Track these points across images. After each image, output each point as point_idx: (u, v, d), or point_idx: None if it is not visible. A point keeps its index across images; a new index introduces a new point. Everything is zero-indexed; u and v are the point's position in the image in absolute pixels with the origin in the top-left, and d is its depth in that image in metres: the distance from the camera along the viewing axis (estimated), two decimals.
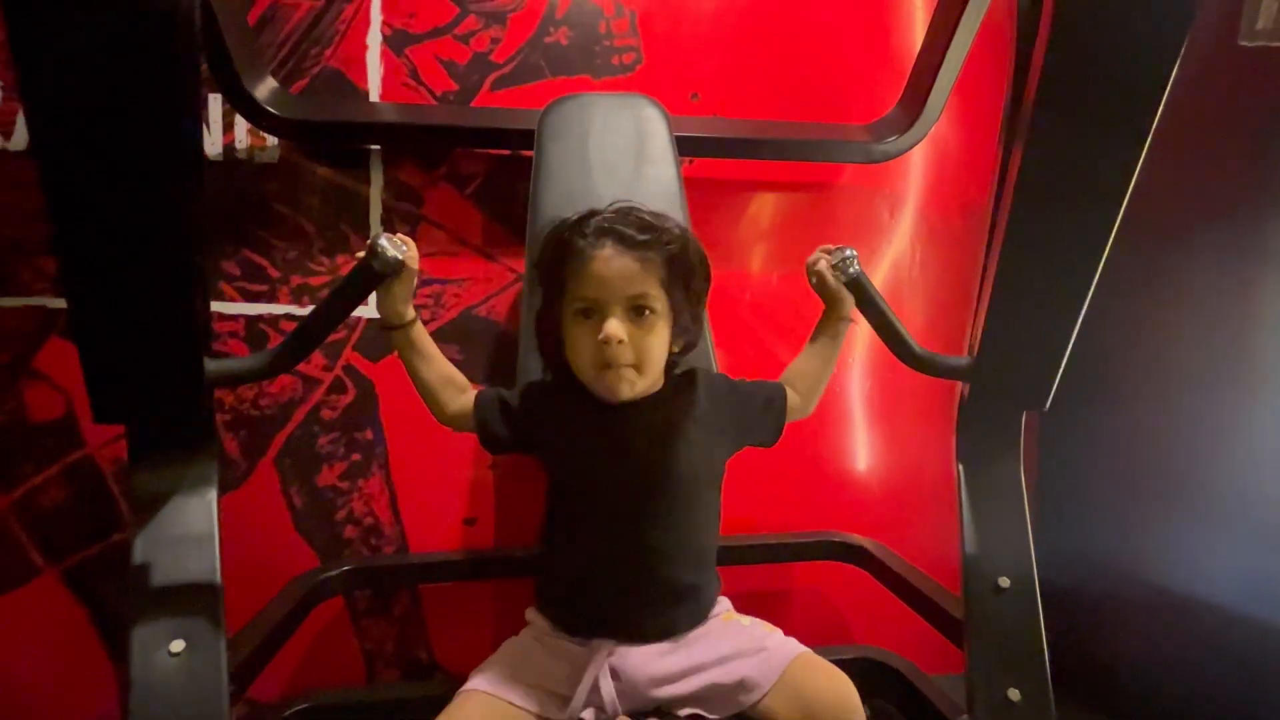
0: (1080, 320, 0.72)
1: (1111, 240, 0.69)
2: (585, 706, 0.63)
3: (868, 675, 0.98)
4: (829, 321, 0.75)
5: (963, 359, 0.75)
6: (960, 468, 0.82)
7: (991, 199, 0.77)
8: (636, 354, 0.63)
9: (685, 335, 0.69)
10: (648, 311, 0.63)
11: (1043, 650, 0.72)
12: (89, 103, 0.52)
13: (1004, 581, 0.76)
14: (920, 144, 1.09)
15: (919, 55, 1.05)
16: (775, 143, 1.06)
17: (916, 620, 0.93)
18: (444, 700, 0.63)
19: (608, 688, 0.64)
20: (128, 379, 0.59)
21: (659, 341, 0.65)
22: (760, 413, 0.74)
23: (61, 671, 0.99)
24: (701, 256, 0.68)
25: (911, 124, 1.04)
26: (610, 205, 0.66)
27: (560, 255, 0.65)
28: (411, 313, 0.67)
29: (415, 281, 0.66)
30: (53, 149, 0.53)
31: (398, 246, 0.63)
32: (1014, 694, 0.70)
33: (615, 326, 0.62)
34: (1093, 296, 0.70)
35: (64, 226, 0.54)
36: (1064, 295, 0.70)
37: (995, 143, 0.84)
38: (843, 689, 0.63)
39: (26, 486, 0.99)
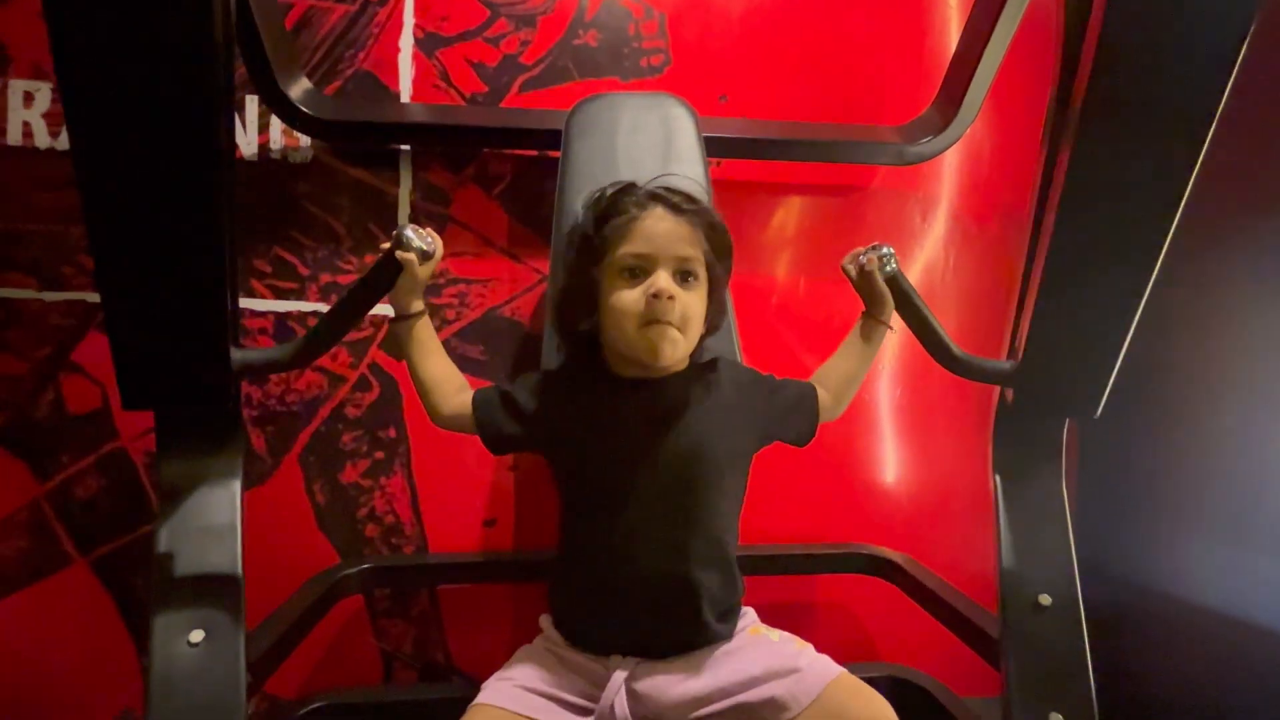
0: (1134, 325, 0.68)
1: (1169, 241, 0.66)
2: None
3: (896, 695, 0.94)
4: (868, 323, 0.73)
5: (1005, 363, 0.72)
6: (997, 478, 0.78)
7: (1033, 200, 0.74)
8: (681, 315, 0.62)
9: (713, 313, 0.67)
10: (692, 277, 0.63)
11: (1087, 671, 0.68)
12: (123, 95, 0.53)
13: (1044, 599, 0.72)
14: (954, 145, 1.06)
15: (955, 53, 1.02)
16: (805, 143, 1.04)
17: (947, 639, 0.89)
18: (459, 703, 0.62)
19: (623, 709, 0.61)
20: (155, 365, 0.60)
21: (701, 307, 0.64)
22: (790, 409, 0.72)
23: (89, 660, 1.01)
24: (730, 241, 0.68)
25: (947, 124, 1.01)
26: (653, 178, 0.67)
27: (604, 217, 0.64)
28: (420, 305, 0.66)
29: (429, 275, 0.65)
30: (87, 140, 0.54)
31: (423, 238, 0.63)
32: (1056, 718, 0.67)
33: (666, 279, 0.61)
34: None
35: (97, 216, 0.55)
36: (1116, 298, 0.67)
37: (1034, 143, 0.81)
38: (882, 714, 0.59)
39: (62, 476, 1.01)
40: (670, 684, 0.62)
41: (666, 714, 0.62)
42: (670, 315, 0.61)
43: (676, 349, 0.63)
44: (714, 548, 0.65)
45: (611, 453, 0.64)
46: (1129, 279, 0.67)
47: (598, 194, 0.66)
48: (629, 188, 0.65)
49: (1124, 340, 0.70)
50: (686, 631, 0.64)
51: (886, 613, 1.13)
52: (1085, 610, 0.72)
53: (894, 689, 1.00)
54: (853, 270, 0.71)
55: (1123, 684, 0.99)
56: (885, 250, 0.67)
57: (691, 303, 0.63)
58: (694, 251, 0.63)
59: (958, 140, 1.04)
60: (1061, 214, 0.66)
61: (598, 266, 0.64)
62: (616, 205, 0.64)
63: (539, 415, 0.67)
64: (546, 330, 0.92)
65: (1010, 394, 0.74)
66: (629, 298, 0.61)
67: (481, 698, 0.61)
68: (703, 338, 0.68)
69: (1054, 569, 0.73)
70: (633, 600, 0.63)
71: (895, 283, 0.68)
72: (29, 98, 1.01)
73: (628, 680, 0.62)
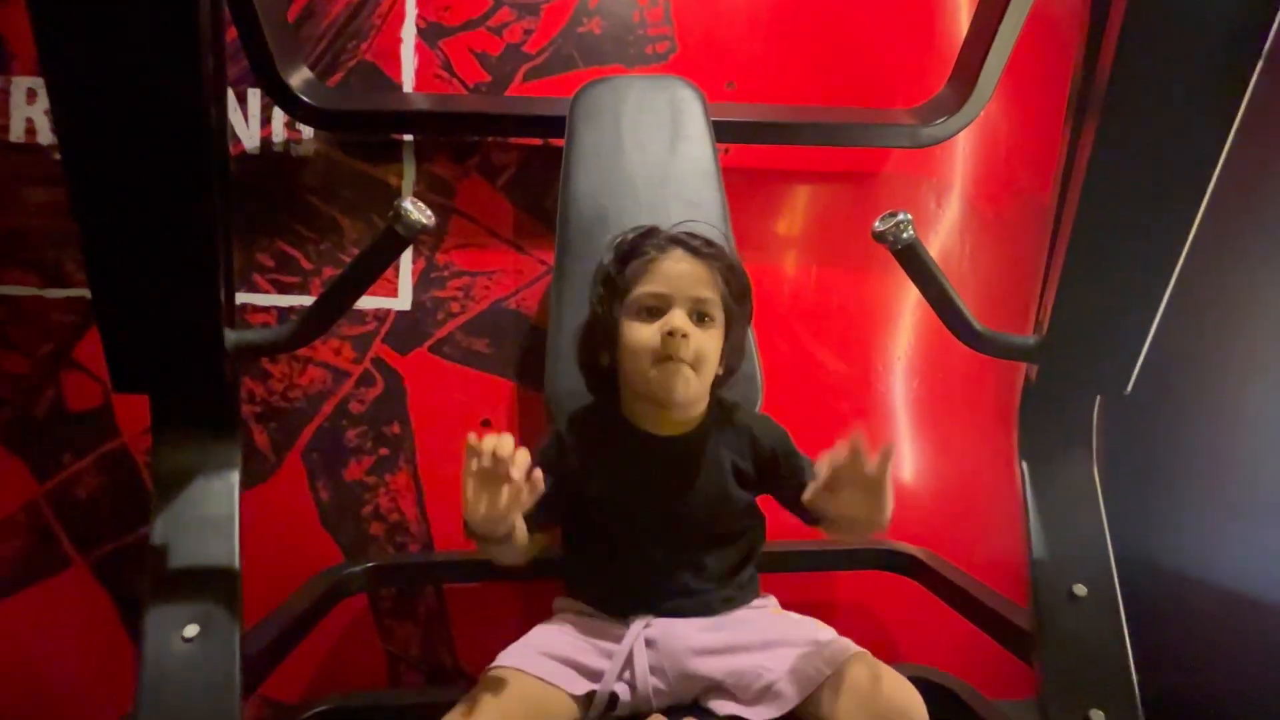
0: (1165, 299, 0.65)
1: (1200, 213, 0.63)
2: (618, 679, 0.61)
3: (922, 699, 0.90)
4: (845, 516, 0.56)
5: (1029, 338, 0.69)
6: (1024, 464, 0.75)
7: (1058, 172, 0.71)
8: (694, 353, 0.63)
9: (731, 357, 0.69)
10: (708, 318, 0.65)
11: (1128, 664, 0.64)
12: (107, 78, 0.51)
13: (1080, 589, 0.68)
14: (968, 128, 1.03)
15: (969, 30, 1.00)
16: (816, 126, 1.02)
17: (973, 638, 0.85)
18: None
19: (641, 659, 0.61)
20: (146, 346, 0.58)
21: (715, 347, 0.66)
22: (793, 483, 0.67)
23: (89, 662, 0.99)
24: (749, 285, 0.70)
25: (962, 104, 0.99)
26: (675, 224, 0.69)
27: (625, 259, 0.67)
28: (518, 523, 0.60)
29: (525, 501, 0.56)
30: (72, 125, 0.53)
31: (422, 211, 0.61)
32: (1097, 715, 0.63)
33: (681, 318, 0.63)
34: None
35: (83, 199, 0.54)
36: (1146, 270, 0.65)
37: (1052, 121, 0.78)
38: (910, 696, 0.57)
39: (62, 476, 1.00)
40: (686, 635, 0.63)
41: (681, 659, 0.62)
42: (683, 353, 0.62)
43: (689, 387, 0.63)
44: (724, 573, 0.67)
45: (627, 492, 0.66)
46: (1159, 251, 0.65)
47: (621, 236, 0.69)
48: (651, 231, 0.68)
49: (1154, 314, 0.67)
50: (702, 599, 0.65)
51: (909, 611, 1.09)
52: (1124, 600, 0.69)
53: (920, 692, 0.96)
54: (825, 470, 0.54)
55: (1162, 676, 0.94)
56: (901, 217, 0.64)
57: (706, 342, 0.64)
58: (710, 294, 0.65)
59: (974, 120, 1.01)
60: (1088, 187, 0.64)
61: (618, 305, 0.66)
62: (638, 248, 0.67)
63: (570, 460, 0.68)
64: (551, 323, 0.89)
65: (1035, 373, 0.71)
66: (645, 334, 0.64)
67: (498, 661, 0.62)
68: (720, 380, 0.69)
69: (1089, 557, 0.69)
70: (648, 599, 0.65)
71: (912, 252, 0.65)
72: (32, 95, 1.00)
73: (646, 631, 0.62)
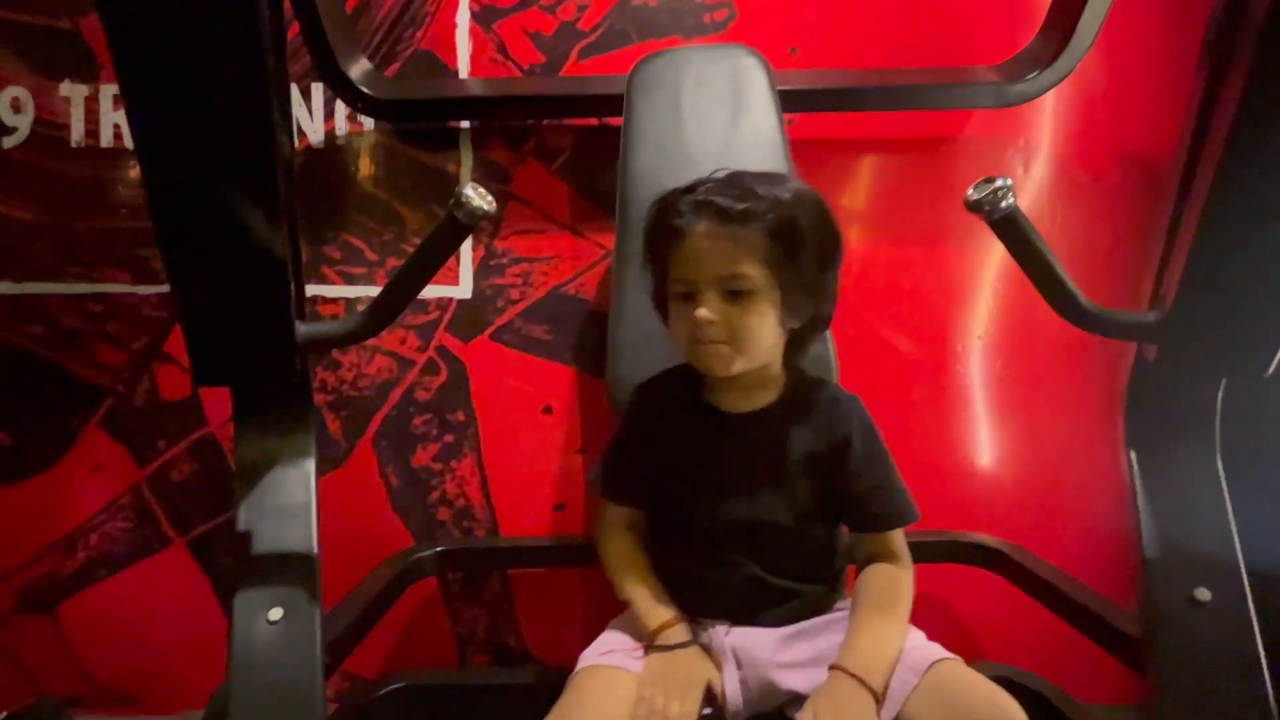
0: None
1: None
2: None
3: None
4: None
5: (1148, 315, 0.61)
6: (1133, 454, 0.68)
7: (1185, 126, 0.62)
8: (731, 332, 0.60)
9: (801, 311, 0.63)
10: (742, 292, 0.60)
11: (1263, 677, 0.57)
12: (177, 81, 0.52)
13: (1202, 593, 0.61)
14: (1062, 82, 0.94)
15: None
16: (889, 90, 0.94)
17: (1062, 638, 0.79)
18: (534, 689, 0.60)
19: (731, 674, 0.60)
20: (223, 343, 0.60)
21: (758, 321, 0.61)
22: (862, 498, 0.66)
23: (186, 637, 1.06)
24: (819, 220, 0.62)
25: (1055, 56, 0.89)
26: (714, 173, 0.63)
27: (658, 232, 0.64)
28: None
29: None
30: (146, 129, 0.54)
31: (483, 197, 0.60)
32: None
33: (705, 310, 0.60)
34: None
35: (160, 201, 0.55)
36: None
37: (1163, 71, 0.69)
38: (1009, 705, 0.53)
39: (159, 461, 1.06)
40: (767, 647, 0.62)
41: (765, 670, 0.61)
42: (714, 337, 0.60)
43: (729, 364, 0.62)
44: (794, 570, 0.65)
45: (696, 477, 0.65)
46: None
47: (656, 202, 0.65)
48: (681, 195, 0.62)
49: None
50: (778, 611, 0.64)
51: (990, 607, 1.03)
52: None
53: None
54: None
55: None
56: (1000, 183, 0.57)
57: (742, 318, 0.60)
58: (740, 267, 0.59)
59: (1069, 74, 0.91)
60: (1234, 141, 0.55)
61: (662, 286, 0.65)
62: (665, 222, 0.62)
63: (642, 435, 0.69)
64: (613, 308, 0.88)
65: (1154, 353, 0.64)
66: (680, 320, 0.63)
67: (585, 661, 0.62)
68: (801, 333, 0.65)
69: (1213, 557, 0.62)
70: (719, 595, 0.65)
71: (1011, 222, 0.59)
72: (119, 102, 1.06)
73: (727, 640, 0.62)
